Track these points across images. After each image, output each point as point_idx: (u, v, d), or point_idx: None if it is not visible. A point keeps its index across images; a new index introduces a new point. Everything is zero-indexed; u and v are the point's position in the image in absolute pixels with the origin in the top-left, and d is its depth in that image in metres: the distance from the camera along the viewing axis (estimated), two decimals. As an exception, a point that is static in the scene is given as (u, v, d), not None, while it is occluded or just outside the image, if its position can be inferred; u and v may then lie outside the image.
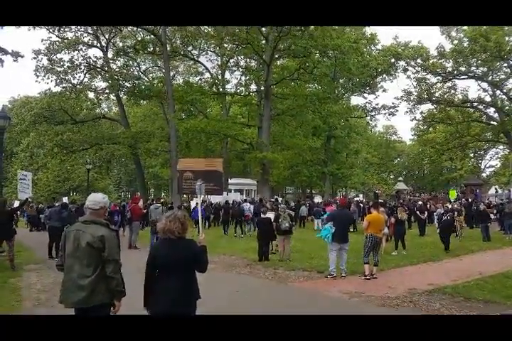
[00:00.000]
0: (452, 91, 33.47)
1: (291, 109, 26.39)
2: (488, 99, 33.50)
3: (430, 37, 66.68)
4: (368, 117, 41.10)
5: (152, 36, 27.17)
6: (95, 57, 29.34)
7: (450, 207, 18.94)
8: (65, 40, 27.26)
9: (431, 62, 31.62)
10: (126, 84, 29.98)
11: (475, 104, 33.85)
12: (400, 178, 51.74)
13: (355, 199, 26.48)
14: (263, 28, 22.96)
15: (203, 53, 32.66)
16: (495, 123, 33.27)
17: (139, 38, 30.32)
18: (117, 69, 30.07)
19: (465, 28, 29.88)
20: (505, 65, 30.77)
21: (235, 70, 32.77)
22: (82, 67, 28.57)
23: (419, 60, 32.15)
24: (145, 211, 15.66)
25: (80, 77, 28.58)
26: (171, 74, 31.54)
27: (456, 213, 16.74)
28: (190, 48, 30.04)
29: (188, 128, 23.72)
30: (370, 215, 8.97)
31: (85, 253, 3.23)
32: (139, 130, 30.97)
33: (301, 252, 11.62)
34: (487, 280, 7.97)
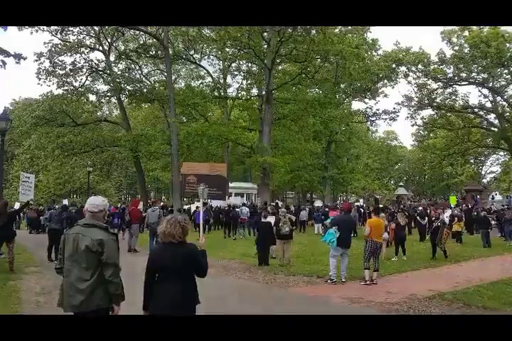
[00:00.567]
0: (453, 97, 33.55)
1: (292, 113, 26.43)
2: (488, 105, 33.59)
3: (431, 42, 67.09)
4: (369, 122, 41.10)
5: (154, 40, 27.29)
6: (97, 60, 29.49)
7: (450, 213, 18.97)
8: (68, 43, 27.39)
9: (432, 67, 31.70)
10: (127, 87, 30.07)
11: (476, 110, 33.92)
12: (401, 184, 51.76)
13: (356, 204, 26.45)
14: (265, 33, 23.07)
15: (205, 57, 32.82)
16: (495, 129, 33.31)
17: (141, 42, 30.47)
18: (119, 73, 30.19)
19: (466, 34, 30.02)
20: (506, 71, 30.86)
21: (237, 74, 32.87)
22: (84, 70, 28.68)
23: (420, 66, 32.24)
24: (144, 214, 15.65)
25: (81, 79, 28.73)
26: (173, 77, 31.65)
27: (455, 219, 16.82)
28: (192, 52, 30.16)
29: (189, 131, 23.79)
30: (371, 220, 8.96)
31: (84, 257, 3.22)
32: (140, 133, 31.00)
33: (301, 257, 11.61)
34: (487, 286, 7.96)
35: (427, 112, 36.37)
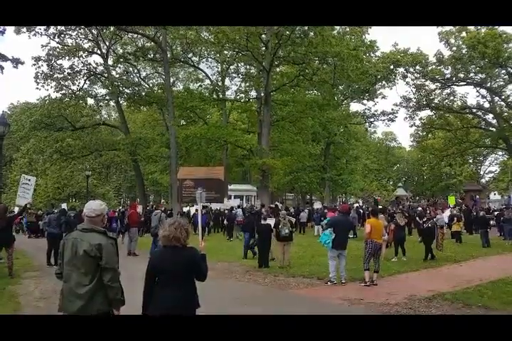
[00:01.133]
0: (451, 97, 33.64)
1: (290, 115, 26.48)
2: (486, 105, 33.68)
3: (429, 43, 67.37)
4: (367, 123, 41.20)
5: (152, 43, 27.34)
6: (95, 63, 29.53)
7: (449, 213, 19.00)
8: (66, 47, 27.42)
9: (430, 68, 31.78)
10: (126, 90, 30.10)
11: (474, 110, 34.00)
12: (400, 184, 51.78)
13: (355, 205, 26.46)
14: (263, 35, 23.13)
15: (203, 60, 32.84)
16: (494, 129, 33.37)
17: (140, 45, 30.53)
18: (117, 76, 30.22)
19: (463, 34, 30.12)
20: (504, 71, 30.95)
21: (235, 77, 32.95)
22: (82, 74, 28.71)
23: (418, 67, 32.31)
24: (143, 217, 15.64)
25: (79, 83, 28.75)
26: (171, 80, 31.69)
27: (454, 219, 16.81)
28: (190, 55, 30.20)
29: (188, 134, 23.81)
30: (370, 220, 8.95)
31: (83, 262, 3.20)
32: (138, 136, 31.00)
33: (301, 258, 11.60)
34: (487, 286, 7.96)
35: (426, 113, 36.44)
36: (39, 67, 26.95)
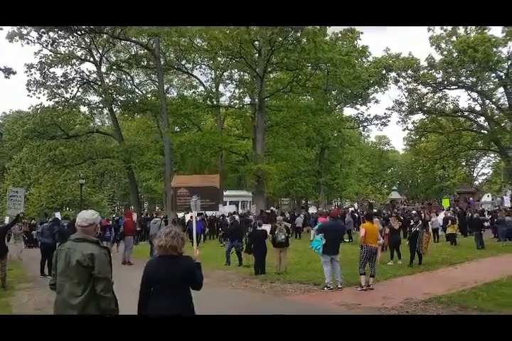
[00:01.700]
0: (443, 101, 33.97)
1: (284, 120, 26.60)
2: (478, 108, 34.03)
3: (421, 47, 68.02)
4: (361, 128, 41.49)
5: (146, 50, 27.39)
6: (88, 71, 29.53)
7: (444, 215, 19.10)
8: (59, 55, 27.39)
9: (421, 73, 32.13)
10: (119, 98, 30.08)
11: (465, 113, 34.31)
12: (394, 188, 51.98)
13: (350, 209, 26.50)
14: (256, 42, 23.27)
15: (197, 67, 32.96)
16: (485, 131, 33.70)
17: (133, 53, 30.57)
18: (111, 84, 30.20)
19: (454, 39, 30.51)
20: (494, 75, 31.34)
21: (229, 83, 33.12)
22: (75, 82, 28.67)
23: (409, 71, 32.65)
24: (138, 226, 15.54)
25: (72, 91, 28.69)
26: (165, 87, 31.73)
27: (448, 221, 16.88)
28: (183, 62, 30.28)
29: (183, 141, 23.80)
30: (364, 224, 8.96)
31: (75, 272, 3.18)
32: (132, 144, 30.92)
33: (297, 264, 11.58)
34: (482, 288, 7.99)
35: (418, 116, 36.80)
36: (31, 74, 26.93)
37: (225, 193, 31.40)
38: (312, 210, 27.30)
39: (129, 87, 33.11)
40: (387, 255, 12.06)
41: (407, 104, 34.34)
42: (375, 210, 26.85)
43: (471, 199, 30.43)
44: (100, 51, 30.84)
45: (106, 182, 53.01)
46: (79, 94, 29.64)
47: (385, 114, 36.80)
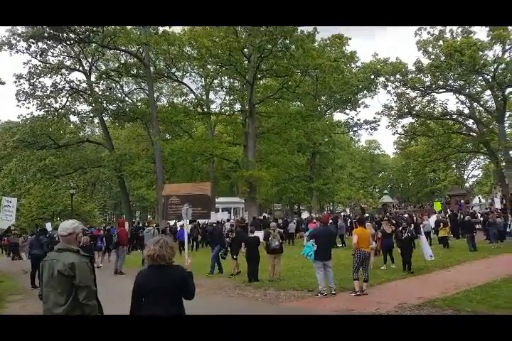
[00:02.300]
0: (432, 104, 34.27)
1: (275, 126, 26.70)
2: (466, 111, 34.42)
3: (409, 51, 68.86)
4: (351, 132, 41.78)
5: (135, 59, 27.39)
6: (78, 80, 29.40)
7: (435, 218, 19.21)
8: (48, 65, 27.26)
9: (410, 77, 32.45)
10: (110, 106, 29.97)
11: (454, 116, 34.68)
12: (386, 191, 52.31)
13: (342, 214, 26.58)
14: (245, 49, 23.40)
15: (187, 75, 33.04)
16: (474, 134, 34.08)
17: (122, 61, 30.55)
18: (100, 92, 30.10)
19: (441, 43, 30.94)
20: (480, 78, 31.77)
21: (219, 90, 33.19)
22: (65, 91, 28.53)
23: (398, 76, 32.95)
24: (129, 235, 15.40)
25: (62, 101, 28.52)
26: (155, 95, 31.73)
27: (440, 225, 17.00)
28: (173, 70, 30.34)
29: (174, 149, 23.77)
30: (357, 229, 8.98)
31: (58, 282, 3.23)
32: (123, 152, 30.77)
33: (290, 270, 11.55)
34: (475, 290, 8.04)
35: (407, 120, 37.02)
36: (20, 84, 26.74)
37: (217, 200, 31.34)
38: (305, 215, 27.29)
39: (119, 95, 33.05)
40: (380, 259, 12.08)
41: (396, 108, 34.62)
42: (367, 214, 26.97)
43: (461, 201, 30.68)
44: (89, 60, 30.77)
45: (97, 192, 52.56)
46: (68, 103, 29.45)
47: (374, 118, 37.17)
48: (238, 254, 11.32)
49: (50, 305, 3.25)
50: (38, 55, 26.49)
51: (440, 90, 33.51)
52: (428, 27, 31.10)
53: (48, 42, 24.78)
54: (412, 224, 16.23)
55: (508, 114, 32.59)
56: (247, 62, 24.09)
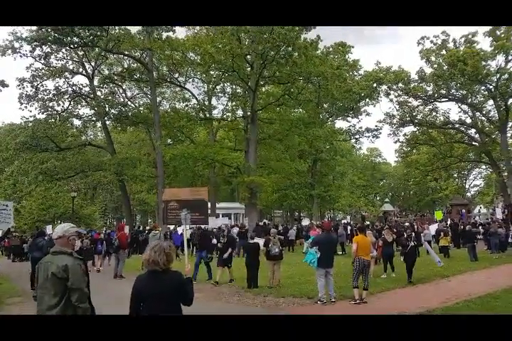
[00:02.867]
0: (434, 113, 34.36)
1: (277, 133, 26.75)
2: (468, 120, 34.50)
3: (410, 61, 69.18)
4: (353, 140, 41.79)
5: (138, 64, 27.52)
6: (81, 84, 29.53)
7: (436, 227, 19.15)
8: (51, 68, 27.41)
9: (412, 86, 32.55)
10: (112, 111, 30.04)
11: (456, 125, 34.74)
12: (387, 200, 52.15)
13: (343, 221, 26.52)
14: (248, 56, 23.53)
15: (190, 80, 33.14)
16: (476, 143, 34.10)
17: (125, 66, 30.70)
18: (103, 97, 30.22)
19: (443, 52, 31.08)
20: (483, 87, 31.85)
21: (222, 96, 33.32)
22: (68, 95, 28.65)
23: (400, 84, 33.04)
24: (129, 238, 15.37)
25: (64, 104, 28.63)
26: (158, 100, 31.80)
27: (441, 234, 16.95)
28: (176, 75, 30.45)
29: (175, 154, 23.81)
30: (357, 237, 8.96)
31: (52, 284, 3.28)
32: (125, 156, 30.80)
33: (290, 277, 11.49)
34: (475, 301, 7.99)
35: (409, 129, 37.12)
36: (23, 87, 26.87)
37: (217, 205, 31.28)
38: (305, 222, 27.22)
39: (122, 100, 33.13)
40: (381, 268, 12.02)
41: (398, 117, 34.69)
42: (367, 222, 26.90)
43: (463, 211, 30.60)
44: (93, 64, 30.92)
45: (98, 195, 52.61)
46: (71, 107, 29.55)
47: (376, 126, 37.22)
48: (232, 261, 11.30)
49: (43, 306, 3.29)
50: (42, 59, 26.66)
51: (442, 99, 33.60)
52: (431, 36, 31.31)
53: (53, 46, 24.93)
54: (413, 233, 16.19)
55: (510, 124, 32.58)
56: (249, 68, 24.20)
